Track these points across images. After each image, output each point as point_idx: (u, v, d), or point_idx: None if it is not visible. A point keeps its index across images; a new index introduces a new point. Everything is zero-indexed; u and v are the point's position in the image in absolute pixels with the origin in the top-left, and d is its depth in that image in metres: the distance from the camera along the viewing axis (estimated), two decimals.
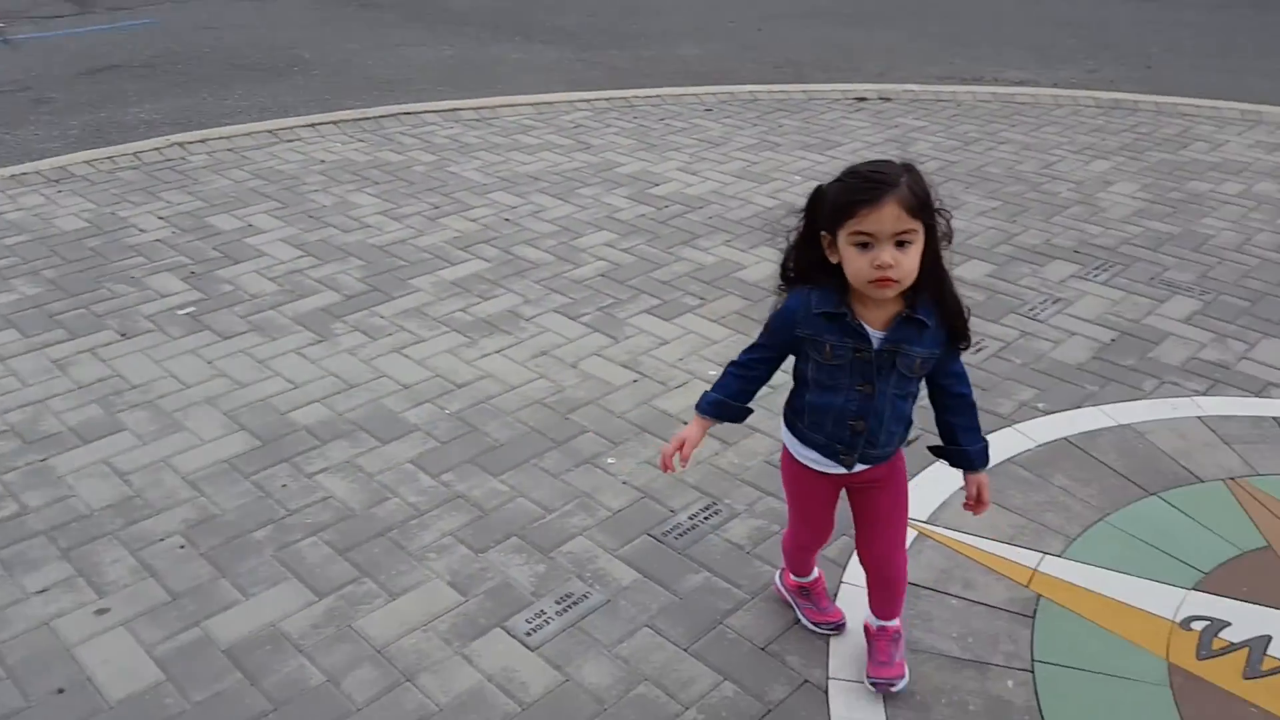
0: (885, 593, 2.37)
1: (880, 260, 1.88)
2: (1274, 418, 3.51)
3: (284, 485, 3.10)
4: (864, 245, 1.89)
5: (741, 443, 3.29)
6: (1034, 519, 2.99)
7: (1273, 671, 2.46)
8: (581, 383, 3.70)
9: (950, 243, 2.00)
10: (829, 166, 5.96)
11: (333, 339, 3.99)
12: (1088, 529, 2.96)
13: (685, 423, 3.40)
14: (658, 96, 7.51)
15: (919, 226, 1.89)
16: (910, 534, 2.91)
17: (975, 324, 4.06)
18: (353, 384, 3.67)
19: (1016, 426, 3.45)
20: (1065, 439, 3.39)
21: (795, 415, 2.21)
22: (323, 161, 6.02)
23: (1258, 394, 3.66)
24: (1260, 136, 6.72)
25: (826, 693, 2.37)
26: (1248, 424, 3.47)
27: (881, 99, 7.49)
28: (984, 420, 3.45)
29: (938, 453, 2.28)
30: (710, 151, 6.29)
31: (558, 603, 2.64)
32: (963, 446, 2.22)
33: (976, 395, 3.57)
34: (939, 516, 2.99)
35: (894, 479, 2.28)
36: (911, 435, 2.29)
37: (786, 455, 2.29)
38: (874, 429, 2.12)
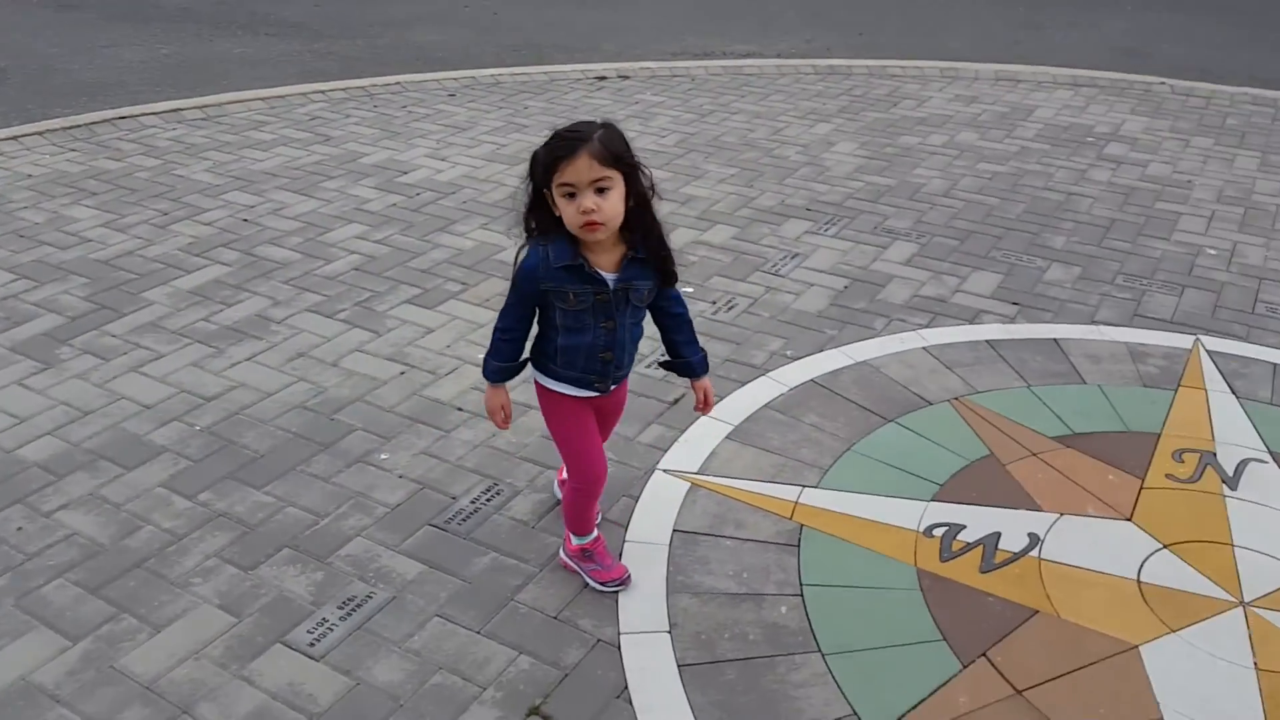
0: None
1: (583, 205, 2.14)
2: (987, 341, 3.93)
3: (19, 529, 2.83)
4: (570, 195, 2.15)
5: (519, 420, 3.32)
6: (791, 456, 3.21)
7: (1004, 563, 2.78)
8: (345, 381, 3.60)
9: (655, 193, 2.27)
10: None
11: (59, 365, 3.65)
12: (838, 459, 3.22)
13: (461, 409, 3.44)
14: (397, 84, 7.34)
15: (614, 174, 2.15)
16: (683, 485, 3.06)
17: (726, 284, 4.36)
18: (87, 410, 3.38)
19: (769, 374, 3.68)
20: (812, 380, 3.65)
21: (547, 359, 2.44)
22: (30, 176, 5.46)
23: (971, 321, 4.09)
24: (958, 90, 7.44)
25: (620, 648, 2.45)
26: (965, 349, 3.87)
27: (621, 77, 7.68)
28: (740, 372, 3.75)
29: (667, 367, 2.62)
30: (457, 136, 6.23)
31: (340, 608, 2.58)
32: (686, 358, 2.57)
33: (731, 349, 3.85)
34: (708, 467, 3.15)
35: (623, 398, 2.68)
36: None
37: (544, 393, 2.48)
38: (619, 356, 2.43)
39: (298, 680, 2.36)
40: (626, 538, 2.83)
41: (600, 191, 2.14)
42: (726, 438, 3.30)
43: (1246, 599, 2.65)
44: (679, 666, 2.40)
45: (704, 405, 2.62)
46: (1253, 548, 2.83)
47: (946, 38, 9.67)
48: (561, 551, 2.71)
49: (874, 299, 4.27)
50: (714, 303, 4.19)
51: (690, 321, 2.56)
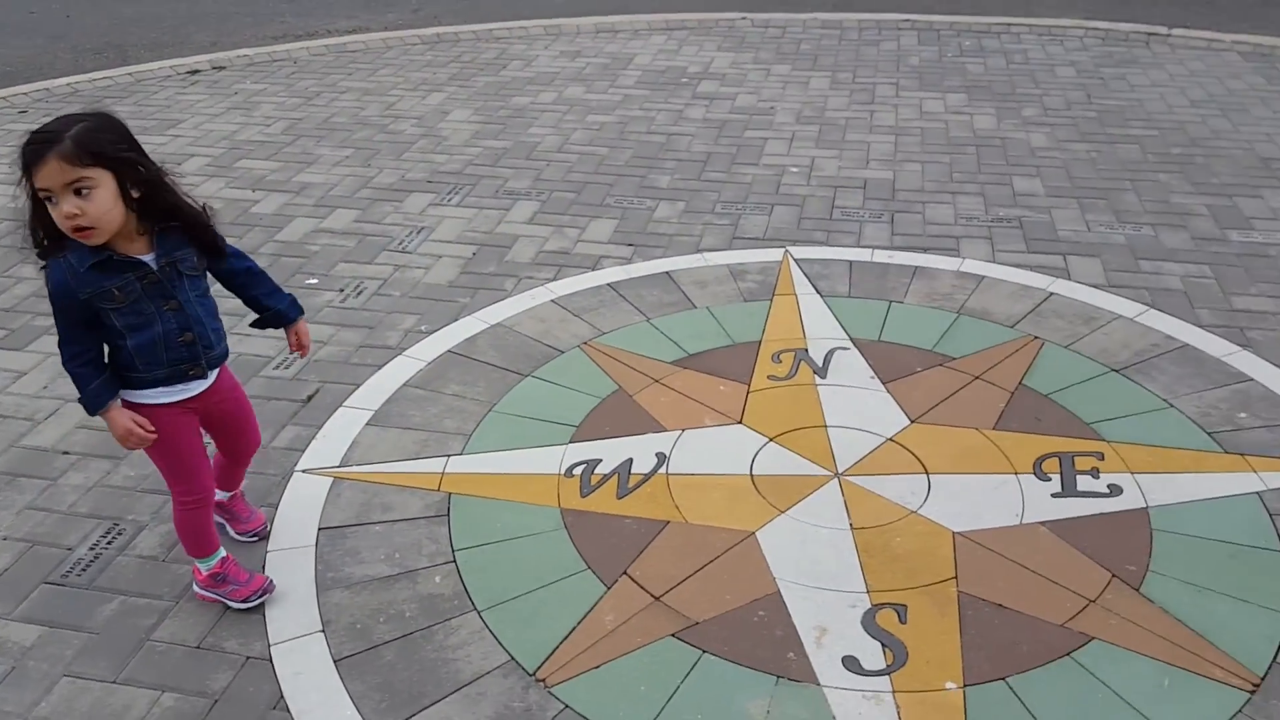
0: (244, 468, 2.74)
1: (64, 211, 2.00)
2: (608, 284, 4.17)
3: None
4: (50, 200, 2.01)
5: (132, 455, 3.09)
6: (434, 429, 3.26)
7: (637, 485, 3.01)
8: None
9: (166, 173, 2.17)
10: (173, 147, 5.64)
11: None
12: (480, 422, 3.31)
13: (67, 452, 3.14)
14: None
15: (96, 173, 2.01)
16: (326, 481, 3.01)
17: (353, 269, 4.28)
18: None
19: (406, 353, 3.68)
20: (450, 351, 3.70)
21: (128, 371, 2.26)
22: None
23: (593, 268, 4.31)
24: (563, 47, 7.70)
25: (271, 660, 2.40)
26: (589, 295, 4.08)
27: (215, 68, 7.20)
28: (375, 355, 3.73)
29: (259, 324, 2.56)
30: None
31: None
32: (275, 307, 2.52)
33: (364, 335, 3.81)
34: (351, 458, 3.12)
35: (234, 389, 2.53)
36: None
37: (138, 411, 2.31)
38: (201, 334, 2.29)
39: None
40: (269, 549, 2.75)
41: (81, 193, 2.00)
42: (367, 424, 3.28)
43: (840, 471, 3.05)
44: (335, 662, 2.39)
45: (299, 346, 2.59)
46: (842, 425, 3.25)
47: None
48: (195, 585, 2.58)
49: (503, 261, 4.38)
50: (342, 290, 4.11)
51: (263, 272, 2.50)
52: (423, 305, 4.03)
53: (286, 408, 3.36)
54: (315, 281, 4.17)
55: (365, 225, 4.72)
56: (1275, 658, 2.40)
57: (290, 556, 2.72)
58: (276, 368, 3.55)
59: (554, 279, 4.22)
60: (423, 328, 3.86)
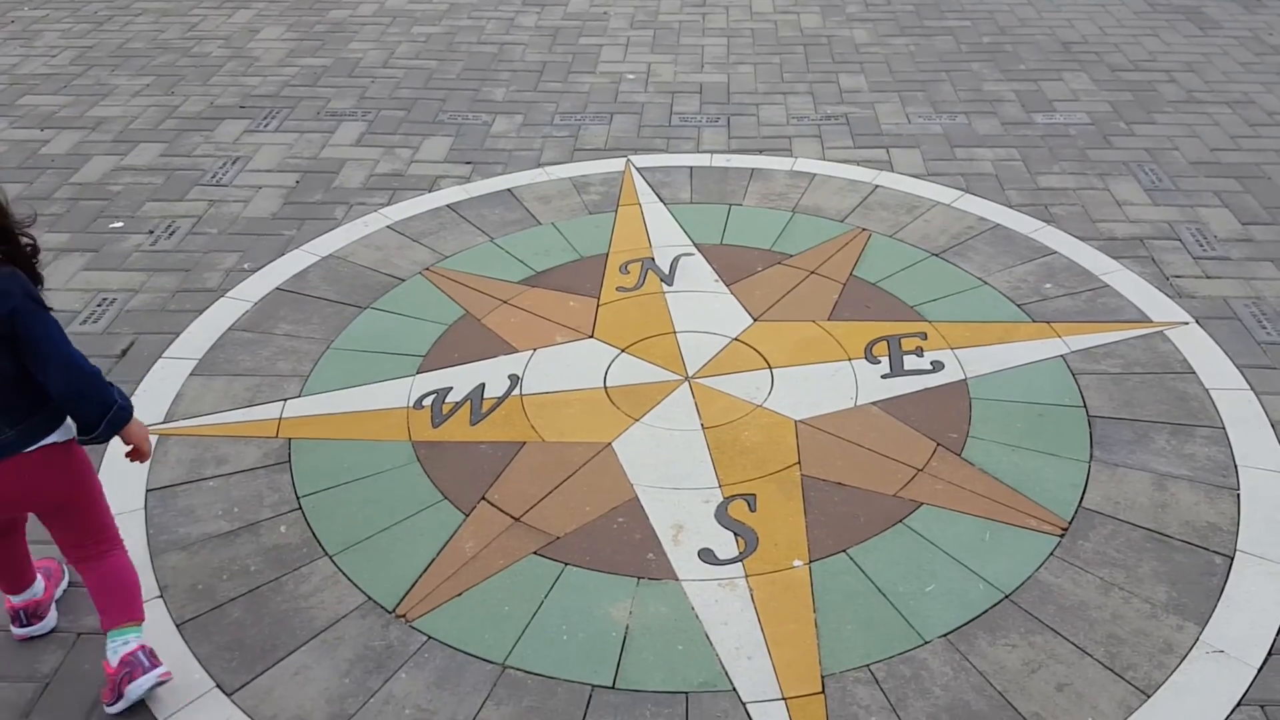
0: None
1: None
2: (448, 205, 4.00)
3: None
4: None
5: None
6: (267, 373, 3.07)
7: (490, 410, 2.93)
8: None
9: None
10: None
11: None
12: (318, 361, 3.14)
13: None
14: None
15: None
16: (153, 438, 2.80)
17: (162, 208, 3.98)
18: None
19: (229, 294, 3.45)
20: (278, 289, 3.48)
21: None
22: None
23: (430, 190, 4.12)
24: None
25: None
26: (428, 218, 3.91)
27: None
28: (195, 300, 3.47)
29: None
30: None
31: None
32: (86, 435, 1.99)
33: (180, 279, 3.53)
34: (175, 412, 2.92)
35: (30, 494, 2.00)
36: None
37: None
38: None
39: None
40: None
41: None
42: (191, 375, 3.06)
43: (690, 374, 3.05)
44: (178, 626, 2.26)
45: (135, 455, 2.08)
46: (690, 330, 3.24)
47: None
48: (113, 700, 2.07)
49: (330, 188, 4.14)
50: (151, 232, 3.80)
51: (86, 376, 1.94)
52: (244, 242, 3.77)
53: (99, 365, 3.09)
54: (121, 224, 3.84)
55: (173, 159, 4.37)
56: (1080, 502, 2.59)
57: (118, 524, 2.53)
58: (84, 321, 3.26)
59: (388, 204, 4.02)
60: (246, 266, 3.62)
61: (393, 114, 4.79)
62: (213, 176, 4.22)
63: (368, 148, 4.46)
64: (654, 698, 2.14)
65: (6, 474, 1.91)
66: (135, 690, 2.01)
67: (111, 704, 2.04)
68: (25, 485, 1.95)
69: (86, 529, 2.07)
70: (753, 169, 4.24)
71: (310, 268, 3.60)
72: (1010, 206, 3.94)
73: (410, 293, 3.46)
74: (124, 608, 2.08)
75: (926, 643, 2.24)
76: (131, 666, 2.02)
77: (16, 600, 2.20)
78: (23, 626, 2.21)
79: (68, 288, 3.43)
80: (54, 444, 1.95)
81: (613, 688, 2.16)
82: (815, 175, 4.18)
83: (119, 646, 2.04)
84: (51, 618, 2.25)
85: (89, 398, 1.94)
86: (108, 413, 1.95)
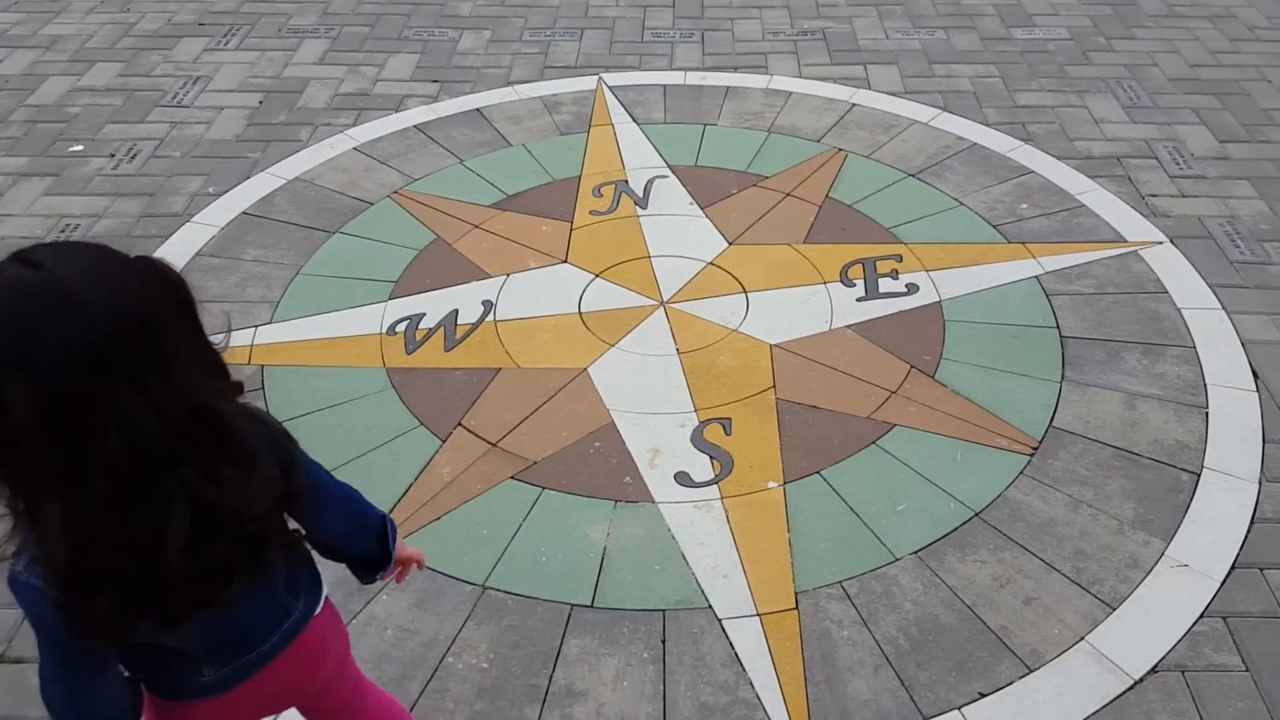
0: None
1: None
2: (415, 126, 3.91)
3: None
4: None
5: None
6: (237, 299, 3.03)
7: (465, 336, 2.91)
8: None
9: None
10: None
11: None
12: (288, 287, 3.10)
13: None
14: None
15: None
16: None
17: (123, 130, 3.89)
18: None
19: (194, 219, 3.37)
20: (244, 213, 3.41)
21: None
22: None
23: (397, 110, 4.02)
24: None
25: None
26: (396, 139, 3.82)
27: None
28: (160, 225, 3.41)
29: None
30: None
31: None
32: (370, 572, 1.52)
33: (144, 204, 3.47)
34: None
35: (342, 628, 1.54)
36: None
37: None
38: None
39: None
40: None
41: None
42: None
43: (665, 299, 3.03)
44: None
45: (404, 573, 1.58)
46: (665, 254, 3.22)
47: None
48: None
49: (294, 108, 4.03)
50: (113, 155, 3.69)
51: None
52: (208, 165, 3.68)
53: None
54: (80, 148, 3.73)
55: (132, 79, 4.22)
56: (1051, 422, 2.63)
57: None
58: None
59: (354, 124, 3.92)
60: (211, 189, 3.54)
61: (356, 30, 4.64)
62: (173, 97, 4.10)
63: (331, 66, 4.34)
64: (632, 615, 2.18)
65: (304, 650, 1.38)
66: None
67: None
68: (322, 652, 1.44)
69: (361, 692, 1.60)
70: (728, 87, 4.16)
71: (276, 191, 3.53)
72: (988, 125, 3.90)
73: (379, 217, 3.40)
74: None
75: (898, 560, 2.28)
76: None
77: None
78: None
79: (29, 213, 3.34)
80: (328, 597, 1.45)
81: (591, 606, 2.19)
82: (791, 94, 4.11)
83: None
84: None
85: (366, 528, 1.47)
86: (384, 531, 1.47)
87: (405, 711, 1.71)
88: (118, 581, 1.06)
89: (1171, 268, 3.15)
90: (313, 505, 1.34)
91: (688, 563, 2.28)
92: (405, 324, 2.95)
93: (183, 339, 1.09)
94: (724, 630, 2.14)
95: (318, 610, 1.40)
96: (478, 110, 4.01)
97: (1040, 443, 2.57)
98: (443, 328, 2.94)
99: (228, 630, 1.27)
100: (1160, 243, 3.25)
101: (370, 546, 1.46)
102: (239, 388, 1.19)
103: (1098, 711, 1.99)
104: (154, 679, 1.31)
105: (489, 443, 2.56)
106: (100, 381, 1.01)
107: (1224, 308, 3.00)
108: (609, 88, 4.16)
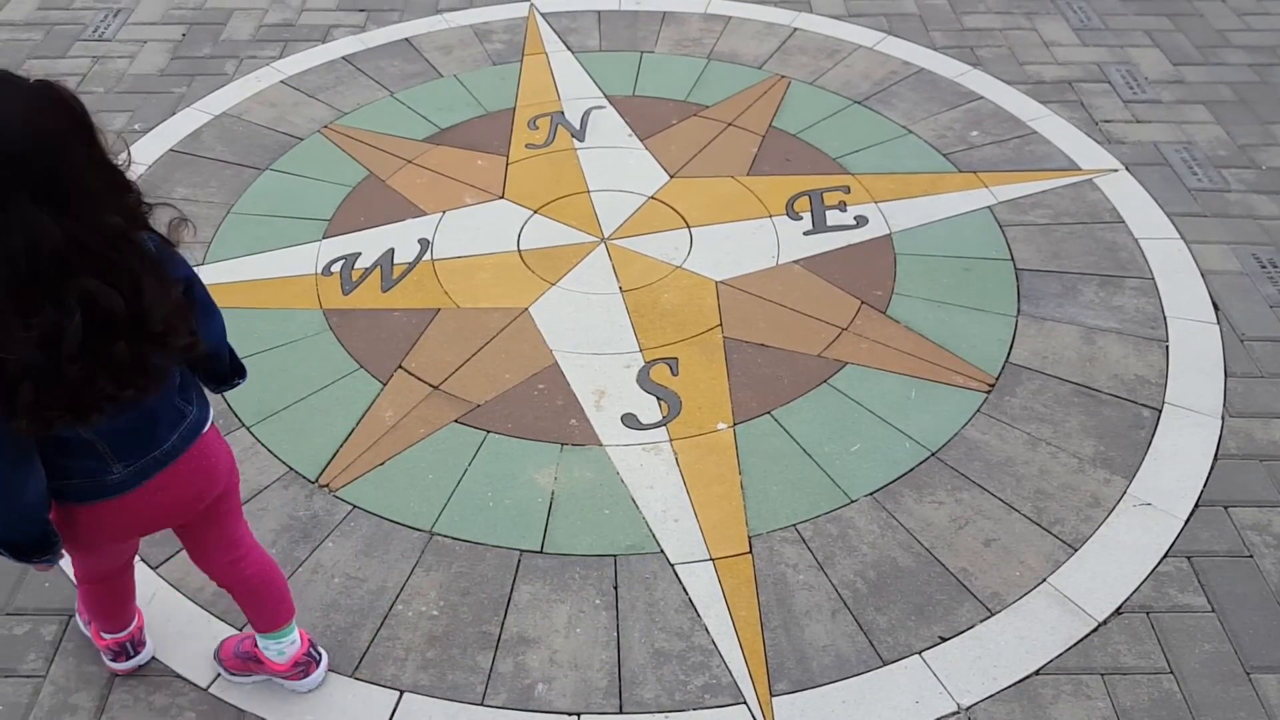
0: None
1: None
2: (343, 57, 3.71)
3: None
4: None
5: None
6: None
7: (401, 276, 2.79)
8: None
9: None
10: None
11: None
12: (219, 227, 2.95)
13: None
14: None
15: None
16: None
17: (44, 65, 3.65)
18: None
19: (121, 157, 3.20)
20: (171, 150, 3.24)
21: None
22: None
23: (323, 41, 3.82)
24: None
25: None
26: (323, 72, 3.63)
27: None
28: None
29: None
30: None
31: None
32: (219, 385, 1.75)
33: None
34: None
35: (228, 448, 1.74)
36: None
37: None
38: None
39: None
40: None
41: None
42: None
43: (606, 235, 2.93)
44: None
45: None
46: (604, 188, 3.10)
47: None
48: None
49: (219, 40, 3.81)
50: None
51: None
52: (132, 100, 3.48)
53: None
54: None
55: (51, 13, 3.97)
56: (1007, 358, 2.58)
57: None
58: None
59: (280, 56, 3.72)
60: (136, 126, 3.36)
61: None
62: (94, 31, 3.86)
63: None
64: (583, 560, 2.12)
65: (199, 459, 1.55)
66: (314, 682, 1.91)
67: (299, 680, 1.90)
68: (213, 466, 1.59)
69: (238, 519, 1.76)
70: (664, 12, 4.00)
71: (204, 127, 3.35)
72: (935, 49, 3.79)
73: (310, 152, 3.25)
74: (283, 605, 1.84)
75: (853, 501, 2.24)
76: (307, 663, 1.89)
77: (123, 634, 1.91)
78: (129, 659, 1.94)
79: None
80: (214, 423, 1.62)
81: (541, 552, 2.14)
82: (730, 18, 3.96)
83: (286, 647, 1.85)
84: (150, 643, 1.98)
85: (224, 340, 1.67)
86: (234, 355, 1.70)
87: (281, 575, 1.84)
88: (33, 374, 1.20)
89: (1128, 196, 3.10)
90: (204, 311, 1.54)
91: (638, 506, 2.22)
92: (341, 264, 2.83)
93: (79, 156, 1.19)
94: (677, 575, 2.09)
95: (207, 425, 1.56)
96: (407, 40, 3.82)
97: (997, 379, 2.53)
98: (379, 267, 2.82)
99: (135, 424, 1.43)
100: (1115, 170, 3.20)
101: (225, 357, 1.68)
102: (138, 200, 1.31)
103: (1061, 654, 1.97)
104: (68, 484, 1.45)
105: (431, 385, 2.47)
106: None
107: (1182, 237, 2.96)
108: (541, 14, 3.98)
